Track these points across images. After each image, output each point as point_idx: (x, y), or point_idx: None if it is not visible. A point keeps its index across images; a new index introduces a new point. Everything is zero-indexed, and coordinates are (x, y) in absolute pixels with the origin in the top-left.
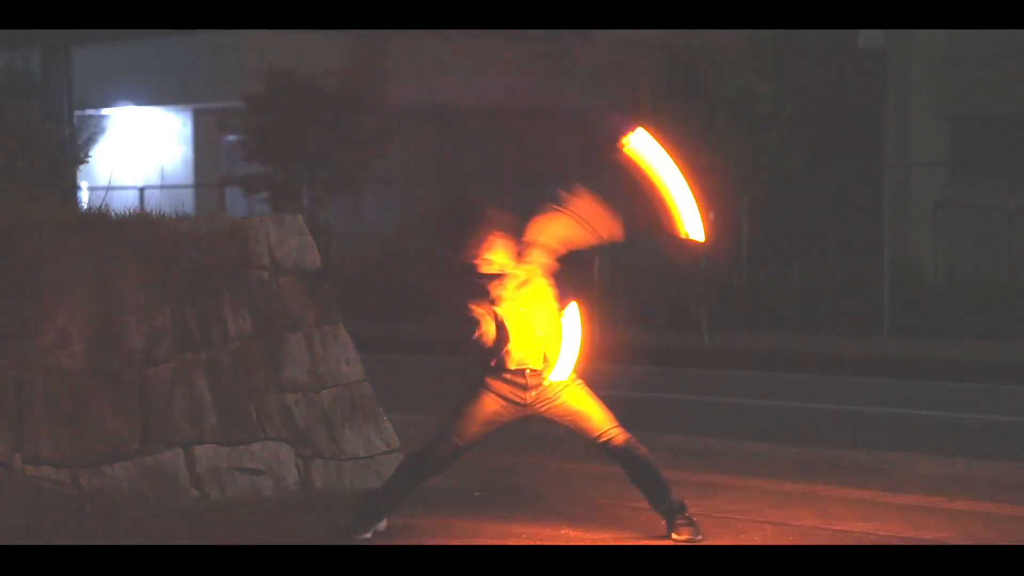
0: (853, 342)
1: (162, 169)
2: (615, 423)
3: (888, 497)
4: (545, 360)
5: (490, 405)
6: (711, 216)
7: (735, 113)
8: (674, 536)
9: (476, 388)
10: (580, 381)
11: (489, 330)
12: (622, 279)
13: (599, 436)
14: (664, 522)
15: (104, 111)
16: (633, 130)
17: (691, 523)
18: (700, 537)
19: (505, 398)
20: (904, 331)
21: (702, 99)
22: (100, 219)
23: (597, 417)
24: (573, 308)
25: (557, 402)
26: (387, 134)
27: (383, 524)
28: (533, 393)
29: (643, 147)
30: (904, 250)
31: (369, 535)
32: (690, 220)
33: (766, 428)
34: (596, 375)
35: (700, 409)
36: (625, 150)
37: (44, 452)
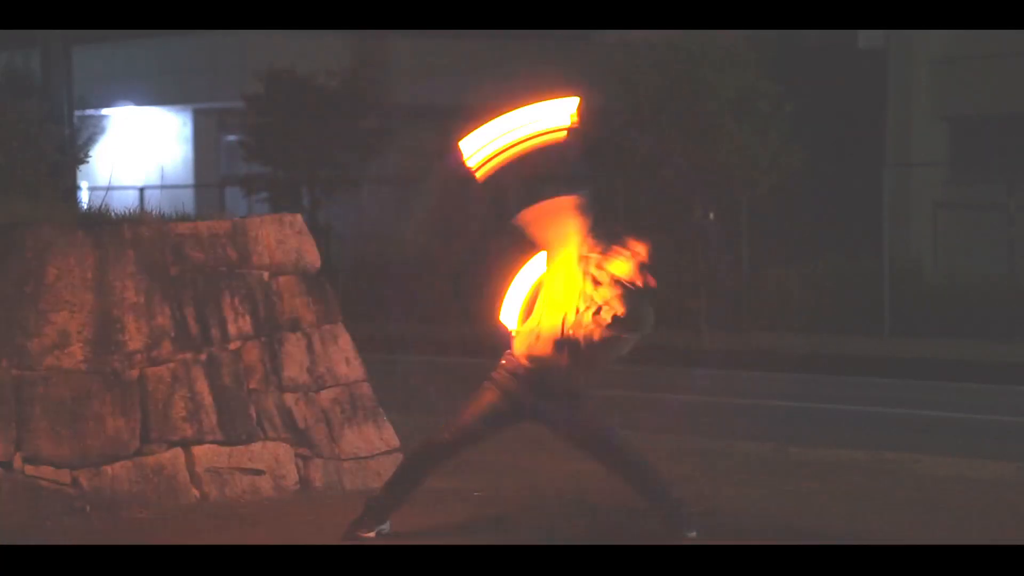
0: (853, 342)
1: (162, 169)
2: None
3: (888, 497)
4: None
5: (490, 399)
6: (711, 215)
7: (735, 113)
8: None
9: (482, 385)
10: None
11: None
12: None
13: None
14: (664, 522)
15: (104, 111)
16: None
17: (687, 521)
18: (694, 535)
19: (508, 393)
20: (904, 331)
21: (702, 99)
22: (100, 219)
23: None
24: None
25: None
26: (387, 134)
27: (387, 525)
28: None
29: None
30: (904, 250)
31: (373, 535)
32: None
33: (766, 428)
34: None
35: (700, 409)
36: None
37: (44, 452)
